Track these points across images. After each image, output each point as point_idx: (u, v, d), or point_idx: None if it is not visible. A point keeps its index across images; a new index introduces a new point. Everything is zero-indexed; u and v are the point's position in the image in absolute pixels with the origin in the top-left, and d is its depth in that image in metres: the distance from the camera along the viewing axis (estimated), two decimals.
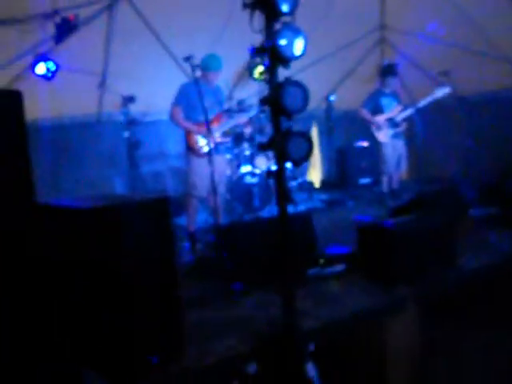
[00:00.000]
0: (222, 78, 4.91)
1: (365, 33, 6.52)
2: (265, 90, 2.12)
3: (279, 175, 2.09)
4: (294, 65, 2.18)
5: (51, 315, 1.97)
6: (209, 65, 4.37)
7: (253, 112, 4.94)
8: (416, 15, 5.96)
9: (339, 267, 3.47)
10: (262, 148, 2.07)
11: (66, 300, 2.11)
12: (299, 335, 2.36)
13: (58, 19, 4.36)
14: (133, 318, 2.07)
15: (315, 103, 7.37)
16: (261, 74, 6.43)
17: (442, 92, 5.44)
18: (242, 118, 4.86)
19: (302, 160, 2.02)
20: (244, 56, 6.44)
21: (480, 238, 4.05)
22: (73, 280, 2.07)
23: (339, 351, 2.82)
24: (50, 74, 5.18)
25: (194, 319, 2.71)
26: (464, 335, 3.02)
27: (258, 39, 2.13)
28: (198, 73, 4.14)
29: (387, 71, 5.83)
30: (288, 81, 1.97)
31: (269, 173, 2.09)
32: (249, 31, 2.14)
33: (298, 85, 1.99)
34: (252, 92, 6.19)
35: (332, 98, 7.29)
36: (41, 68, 5.04)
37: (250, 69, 6.61)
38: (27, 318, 1.82)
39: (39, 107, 5.34)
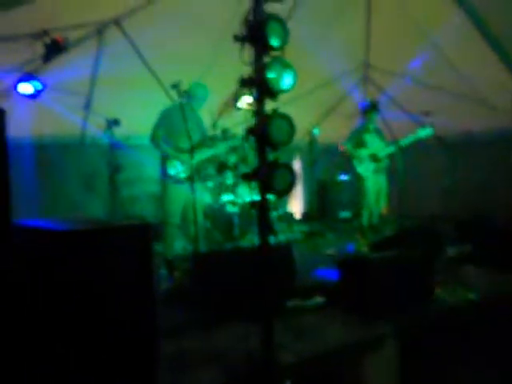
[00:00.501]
0: (208, 107, 4.96)
1: (349, 70, 6.71)
2: (249, 119, 2.14)
3: (262, 206, 2.09)
4: (280, 97, 2.21)
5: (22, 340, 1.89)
6: (196, 93, 4.42)
7: (234, 141, 4.96)
8: (399, 56, 6.19)
9: (319, 300, 3.45)
10: (245, 178, 2.07)
11: (39, 323, 2.02)
12: (276, 370, 2.32)
13: (47, 39, 4.37)
14: (107, 346, 2.01)
15: (299, 135, 7.43)
16: (248, 104, 6.52)
17: (424, 133, 5.57)
18: (221, 148, 4.85)
19: (285, 192, 2.03)
20: (231, 85, 6.56)
21: (456, 275, 4.09)
22: (48, 302, 2.00)
23: None
24: (34, 92, 5.15)
25: (169, 349, 2.65)
26: (444, 371, 3.01)
27: (246, 69, 2.16)
28: (184, 99, 4.17)
29: (371, 107, 5.97)
30: (275, 113, 1.99)
31: (252, 203, 2.09)
32: (237, 61, 2.17)
33: (285, 117, 2.02)
34: (236, 121, 6.28)
35: (315, 131, 7.41)
36: (25, 87, 5.01)
37: (235, 98, 6.70)
38: None
39: (22, 125, 5.28)
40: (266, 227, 2.09)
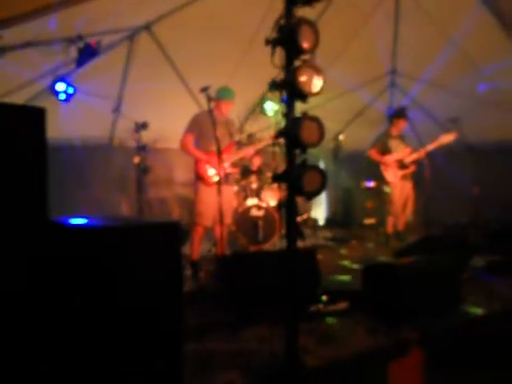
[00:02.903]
0: (234, 111, 5.01)
1: (376, 76, 6.68)
2: (274, 124, 2.16)
3: (290, 207, 2.11)
4: (306, 102, 2.22)
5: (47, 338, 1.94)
6: (222, 94, 4.48)
7: (260, 144, 4.99)
8: (426, 62, 6.14)
9: (342, 305, 3.43)
10: (275, 179, 2.09)
11: (64, 323, 2.07)
12: (302, 373, 2.31)
13: (80, 44, 4.50)
14: (132, 345, 2.04)
15: (323, 141, 7.47)
16: (272, 109, 6.57)
17: (447, 138, 5.58)
18: (250, 150, 4.90)
19: (315, 194, 2.04)
20: (256, 91, 6.62)
21: (484, 285, 4.01)
22: (72, 300, 2.04)
23: None
24: (66, 97, 5.32)
25: (193, 350, 2.66)
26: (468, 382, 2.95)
27: (271, 74, 2.19)
28: (212, 104, 4.23)
29: (399, 115, 5.97)
30: (305, 115, 2.01)
31: (280, 204, 2.10)
32: (263, 66, 2.21)
33: (315, 119, 2.03)
34: (262, 126, 6.32)
35: (340, 137, 7.40)
36: (60, 88, 5.18)
37: (261, 104, 6.76)
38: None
39: (53, 127, 5.44)
40: (293, 229, 2.10)
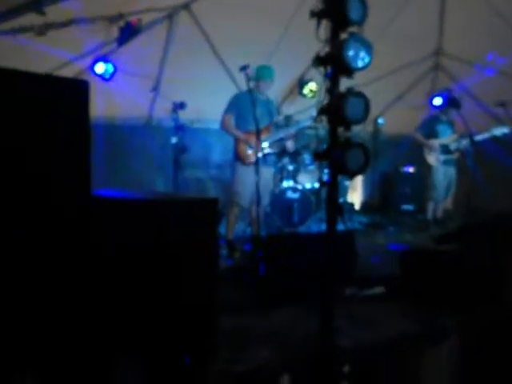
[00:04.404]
0: (272, 93, 4.94)
1: (420, 57, 6.43)
2: (312, 106, 2.10)
3: (332, 186, 2.05)
4: (345, 83, 2.14)
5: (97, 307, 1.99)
6: (261, 74, 4.42)
7: (302, 124, 4.92)
8: (474, 43, 5.85)
9: (378, 289, 3.38)
10: (317, 157, 2.04)
11: (111, 292, 2.12)
12: (336, 354, 2.29)
13: (122, 23, 4.52)
14: (170, 314, 2.07)
15: (362, 124, 7.30)
16: (311, 91, 6.45)
17: (499, 131, 5.37)
18: (291, 131, 4.85)
19: (358, 172, 1.98)
20: (295, 72, 6.51)
21: None
22: (118, 270, 2.08)
23: (375, 375, 2.71)
24: (107, 76, 5.38)
25: (228, 326, 2.68)
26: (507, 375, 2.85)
27: (310, 54, 2.12)
28: (251, 83, 4.18)
29: (452, 103, 5.79)
30: (350, 91, 1.94)
31: (322, 183, 2.05)
32: (301, 47, 2.12)
33: (360, 95, 1.96)
34: (300, 108, 6.23)
35: (380, 120, 7.20)
36: (100, 68, 5.24)
37: (300, 85, 6.65)
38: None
39: (94, 106, 5.52)
40: (334, 208, 2.05)
